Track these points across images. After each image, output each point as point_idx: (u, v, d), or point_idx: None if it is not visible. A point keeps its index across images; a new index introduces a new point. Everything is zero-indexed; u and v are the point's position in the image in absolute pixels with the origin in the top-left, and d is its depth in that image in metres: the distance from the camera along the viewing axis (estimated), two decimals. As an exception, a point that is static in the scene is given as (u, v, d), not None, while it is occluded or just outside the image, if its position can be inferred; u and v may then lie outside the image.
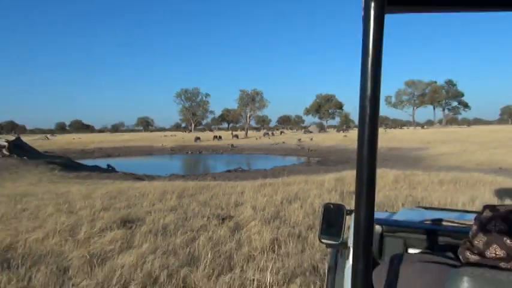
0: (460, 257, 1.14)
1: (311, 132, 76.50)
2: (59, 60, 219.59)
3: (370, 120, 0.72)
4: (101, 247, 4.78)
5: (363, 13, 0.70)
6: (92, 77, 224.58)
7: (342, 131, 78.85)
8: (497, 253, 1.02)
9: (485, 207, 1.15)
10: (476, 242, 1.08)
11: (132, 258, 4.26)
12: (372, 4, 0.69)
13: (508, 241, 1.01)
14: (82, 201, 7.81)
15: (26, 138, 31.79)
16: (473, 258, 1.07)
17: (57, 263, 4.26)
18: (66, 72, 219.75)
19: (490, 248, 1.04)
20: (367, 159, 0.73)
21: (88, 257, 4.36)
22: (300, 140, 50.15)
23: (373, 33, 0.70)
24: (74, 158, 27.06)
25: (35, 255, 4.52)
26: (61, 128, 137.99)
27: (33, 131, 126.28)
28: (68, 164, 20.18)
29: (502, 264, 1.00)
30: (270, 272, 3.90)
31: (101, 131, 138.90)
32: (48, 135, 78.00)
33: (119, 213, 6.48)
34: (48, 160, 19.70)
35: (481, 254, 1.05)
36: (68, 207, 7.24)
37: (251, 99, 79.13)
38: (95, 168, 20.44)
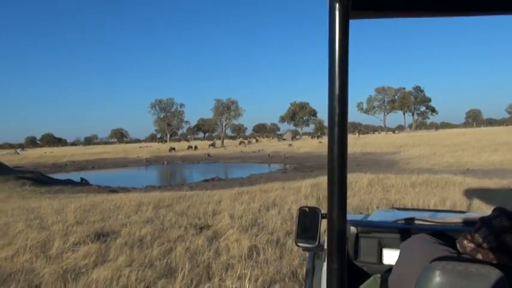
0: (458, 246, 1.22)
1: (285, 139, 76.98)
2: (29, 73, 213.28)
3: (340, 123, 0.73)
4: (74, 262, 4.65)
5: (328, 19, 0.73)
6: (63, 90, 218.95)
7: (316, 138, 79.77)
8: (492, 245, 1.10)
9: (496, 208, 1.25)
10: (477, 235, 1.16)
11: (107, 272, 4.16)
12: (337, 10, 0.71)
13: (507, 238, 1.09)
14: (54, 216, 7.57)
15: (-7, 154, 30.55)
16: (470, 247, 1.15)
17: (28, 280, 4.12)
18: (35, 85, 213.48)
19: (488, 240, 1.12)
20: (338, 161, 0.74)
21: (61, 272, 4.23)
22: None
23: (339, 38, 0.72)
24: (46, 172, 26.15)
25: (4, 273, 4.35)
26: (31, 142, 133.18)
27: (2, 146, 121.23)
28: (39, 178, 19.48)
29: (492, 255, 1.07)
30: (249, 280, 3.90)
31: (73, 144, 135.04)
32: (18, 150, 75.20)
33: (93, 227, 6.32)
34: (19, 175, 18.95)
35: (479, 245, 1.12)
36: (39, 222, 7.00)
37: (226, 108, 79.08)
38: (68, 182, 19.81)
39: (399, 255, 1.53)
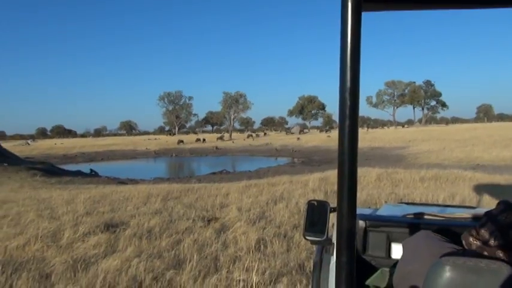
0: (464, 242, 1.20)
1: (293, 133, 76.82)
2: (39, 65, 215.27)
3: (351, 116, 0.72)
4: (84, 252, 4.71)
5: (340, 11, 0.72)
6: (73, 82, 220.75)
7: (325, 132, 79.46)
8: (498, 242, 1.07)
9: (500, 202, 1.21)
10: (483, 230, 1.13)
11: (116, 263, 4.22)
12: (349, 2, 0.70)
13: None
14: (64, 206, 7.68)
15: (6, 144, 30.94)
16: (476, 244, 1.12)
17: (39, 269, 4.18)
18: (46, 76, 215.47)
19: (494, 237, 1.09)
20: (348, 154, 0.73)
21: (71, 262, 4.29)
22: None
23: (351, 30, 0.71)
24: (56, 163, 26.46)
25: (16, 262, 4.42)
26: (42, 133, 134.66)
27: (14, 137, 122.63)
28: (49, 169, 19.72)
29: (499, 253, 1.05)
30: (256, 272, 3.91)
31: (83, 135, 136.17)
32: (29, 141, 76.04)
33: (102, 218, 6.39)
34: (30, 166, 19.20)
35: (485, 242, 1.10)
36: (49, 212, 7.10)
37: (235, 101, 79.02)
38: (78, 173, 20.05)
39: (403, 253, 1.51)
